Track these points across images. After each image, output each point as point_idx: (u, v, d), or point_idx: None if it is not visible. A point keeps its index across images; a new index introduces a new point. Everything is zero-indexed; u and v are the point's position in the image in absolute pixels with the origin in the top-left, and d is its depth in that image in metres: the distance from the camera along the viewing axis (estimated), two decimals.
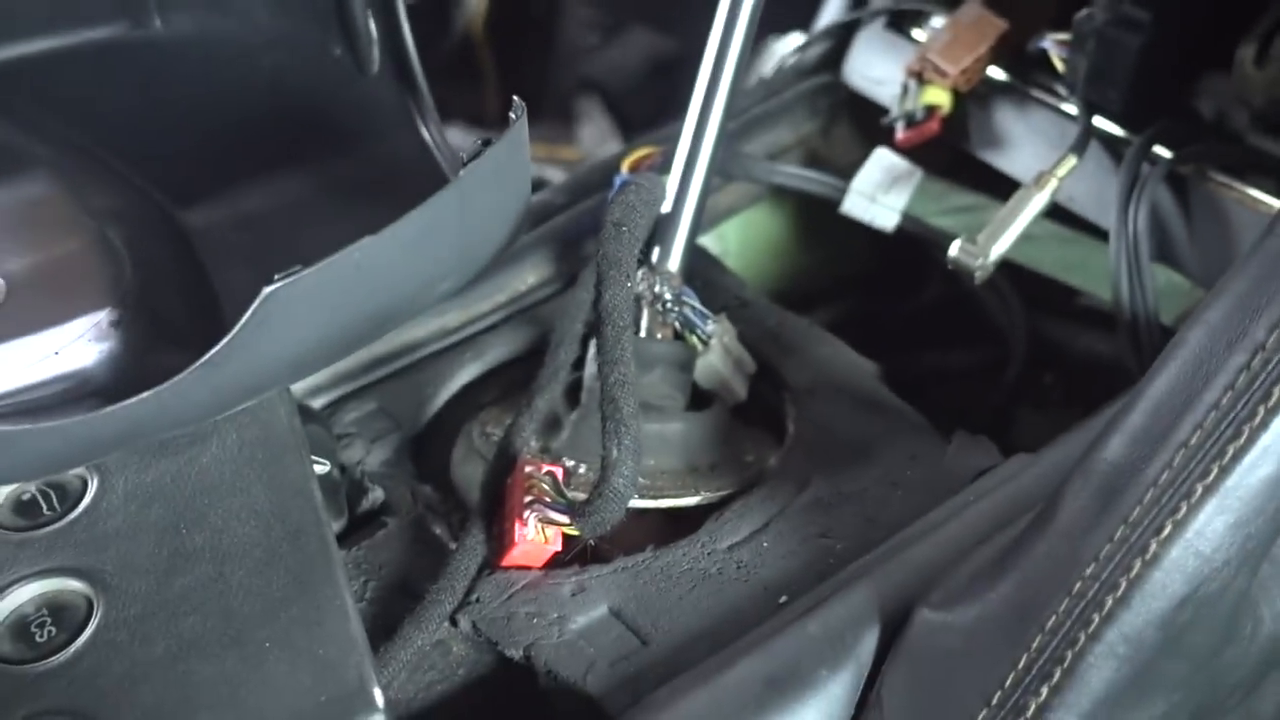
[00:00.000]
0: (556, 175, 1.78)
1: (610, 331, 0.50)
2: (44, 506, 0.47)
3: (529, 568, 0.49)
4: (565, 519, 0.47)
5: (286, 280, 0.39)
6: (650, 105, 1.95)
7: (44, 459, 0.43)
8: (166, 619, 0.43)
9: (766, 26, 0.83)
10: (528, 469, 0.50)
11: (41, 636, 0.42)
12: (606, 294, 0.52)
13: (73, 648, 0.42)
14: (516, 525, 0.48)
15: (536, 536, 0.48)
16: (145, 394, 0.39)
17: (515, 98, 0.48)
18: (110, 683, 0.41)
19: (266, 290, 0.39)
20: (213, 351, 0.39)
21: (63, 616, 0.43)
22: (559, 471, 0.50)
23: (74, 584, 0.44)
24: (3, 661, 0.42)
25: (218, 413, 0.47)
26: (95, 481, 0.48)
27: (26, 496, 0.48)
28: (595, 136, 1.92)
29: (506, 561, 0.49)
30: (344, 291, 0.42)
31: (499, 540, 0.49)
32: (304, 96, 0.62)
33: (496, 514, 0.50)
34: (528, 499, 0.48)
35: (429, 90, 0.65)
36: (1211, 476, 0.37)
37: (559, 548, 0.49)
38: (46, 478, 0.48)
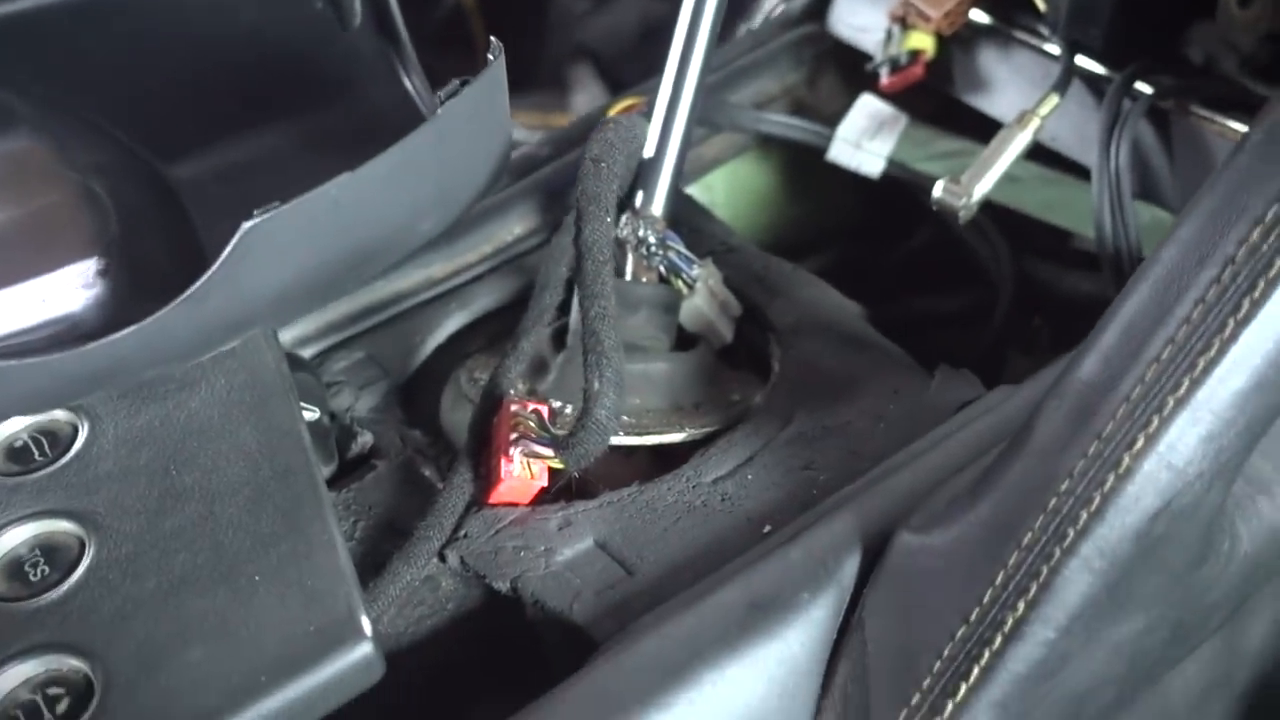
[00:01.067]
0: None
1: (590, 266, 0.50)
2: (35, 452, 0.48)
3: (516, 504, 0.50)
4: (550, 452, 0.48)
5: (265, 215, 0.39)
6: (643, 71, 1.94)
7: (31, 395, 0.44)
8: (158, 556, 0.43)
9: None
10: (514, 408, 0.50)
11: (35, 575, 0.43)
12: (586, 229, 0.52)
13: (66, 585, 0.42)
14: (502, 461, 0.48)
15: (523, 472, 0.48)
16: (128, 329, 0.39)
17: (493, 39, 0.48)
18: (103, 617, 0.41)
19: (246, 225, 0.39)
20: (195, 286, 0.40)
21: (56, 556, 0.44)
22: (544, 410, 0.50)
23: (66, 525, 0.45)
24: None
25: (202, 350, 0.47)
26: (86, 427, 0.49)
27: (19, 443, 0.48)
28: (588, 104, 1.91)
29: (494, 498, 0.50)
30: (323, 227, 0.43)
31: (486, 478, 0.50)
32: (286, 49, 0.62)
33: (484, 453, 0.51)
34: (513, 436, 0.49)
35: (411, 42, 0.65)
36: (1183, 389, 0.38)
37: (545, 483, 0.49)
38: (37, 421, 0.49)
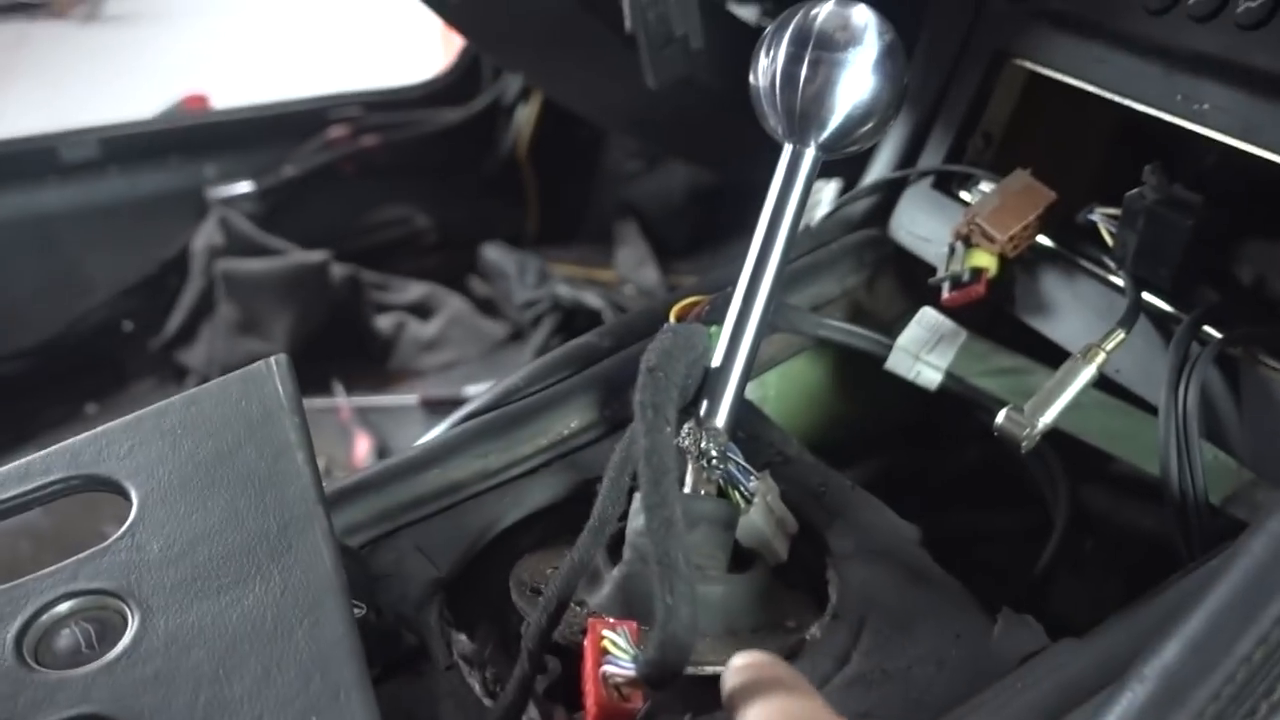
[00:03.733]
0: (593, 297, 1.81)
1: (651, 476, 0.49)
2: (83, 644, 0.47)
3: None
4: (631, 672, 0.46)
5: None
6: (687, 232, 1.99)
7: None
8: None
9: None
10: (604, 630, 0.48)
11: None
12: (645, 439, 0.51)
13: None
14: (591, 689, 0.47)
15: (613, 697, 0.47)
16: None
17: None
18: None
19: None
20: None
21: None
22: (631, 627, 0.49)
23: None
24: None
25: None
26: (136, 620, 0.48)
27: (65, 632, 0.48)
28: (632, 260, 1.95)
29: None
30: None
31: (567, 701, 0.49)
32: None
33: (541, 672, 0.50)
34: (604, 664, 0.47)
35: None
36: (1276, 694, 0.36)
37: (639, 705, 0.47)
38: (86, 607, 0.48)
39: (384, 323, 1.87)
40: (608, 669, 0.47)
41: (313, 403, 1.68)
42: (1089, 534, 0.75)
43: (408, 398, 1.73)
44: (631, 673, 0.46)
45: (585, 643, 0.48)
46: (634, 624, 0.49)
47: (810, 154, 0.61)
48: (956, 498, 0.80)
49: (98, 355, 1.79)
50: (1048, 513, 0.74)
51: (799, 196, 0.61)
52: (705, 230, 1.89)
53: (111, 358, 1.80)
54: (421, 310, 1.90)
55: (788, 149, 0.61)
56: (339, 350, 1.81)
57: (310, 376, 1.72)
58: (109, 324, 1.82)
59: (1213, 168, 0.69)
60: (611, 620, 0.49)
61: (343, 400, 1.71)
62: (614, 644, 0.47)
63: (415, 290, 1.91)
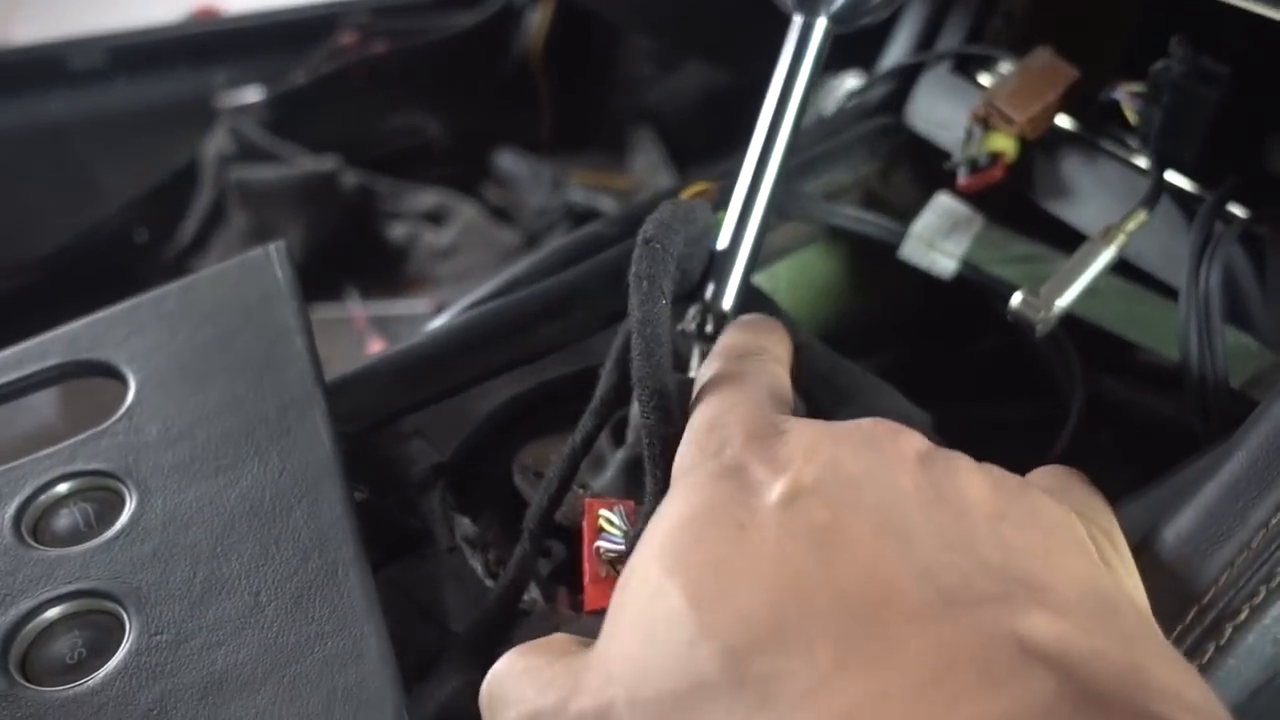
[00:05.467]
0: (608, 203, 1.79)
1: (643, 347, 0.47)
2: (81, 523, 0.47)
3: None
4: (622, 547, 0.46)
5: None
6: (703, 136, 1.95)
7: None
8: (200, 647, 0.42)
9: (829, 66, 0.82)
10: (600, 509, 0.48)
11: (72, 658, 0.42)
12: (638, 311, 0.49)
13: (103, 671, 0.41)
14: (587, 566, 0.47)
15: (609, 574, 0.46)
16: None
17: None
18: (140, 710, 0.40)
19: None
20: None
21: (94, 639, 0.42)
22: (628, 507, 0.48)
23: (107, 605, 0.44)
24: (32, 683, 0.41)
25: None
26: (134, 499, 0.48)
27: (64, 512, 0.47)
28: (647, 166, 1.92)
29: (587, 604, 0.47)
30: None
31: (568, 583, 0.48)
32: None
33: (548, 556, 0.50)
34: (598, 541, 0.47)
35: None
36: None
37: None
38: (84, 487, 0.48)
39: (397, 231, 1.86)
40: (601, 544, 0.46)
41: (327, 310, 1.68)
42: (1105, 423, 0.74)
43: (422, 304, 1.72)
44: (623, 547, 0.46)
45: (584, 522, 0.48)
46: (631, 504, 0.48)
47: (821, 24, 0.58)
48: (970, 390, 0.78)
49: (111, 266, 1.78)
50: (1063, 403, 0.73)
51: (809, 71, 0.59)
52: (721, 135, 1.85)
53: (125, 268, 1.80)
54: (435, 218, 1.88)
55: (797, 20, 0.59)
56: (352, 259, 1.80)
57: (324, 284, 1.71)
58: (121, 234, 1.81)
59: (1242, 40, 0.66)
60: (610, 500, 0.48)
61: (357, 308, 1.71)
62: (609, 522, 0.47)
63: (428, 198, 1.89)
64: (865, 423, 0.38)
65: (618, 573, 0.45)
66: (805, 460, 0.35)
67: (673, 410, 0.46)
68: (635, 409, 0.56)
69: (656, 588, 0.32)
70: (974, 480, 0.36)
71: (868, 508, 0.33)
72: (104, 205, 1.80)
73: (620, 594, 0.35)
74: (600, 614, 0.46)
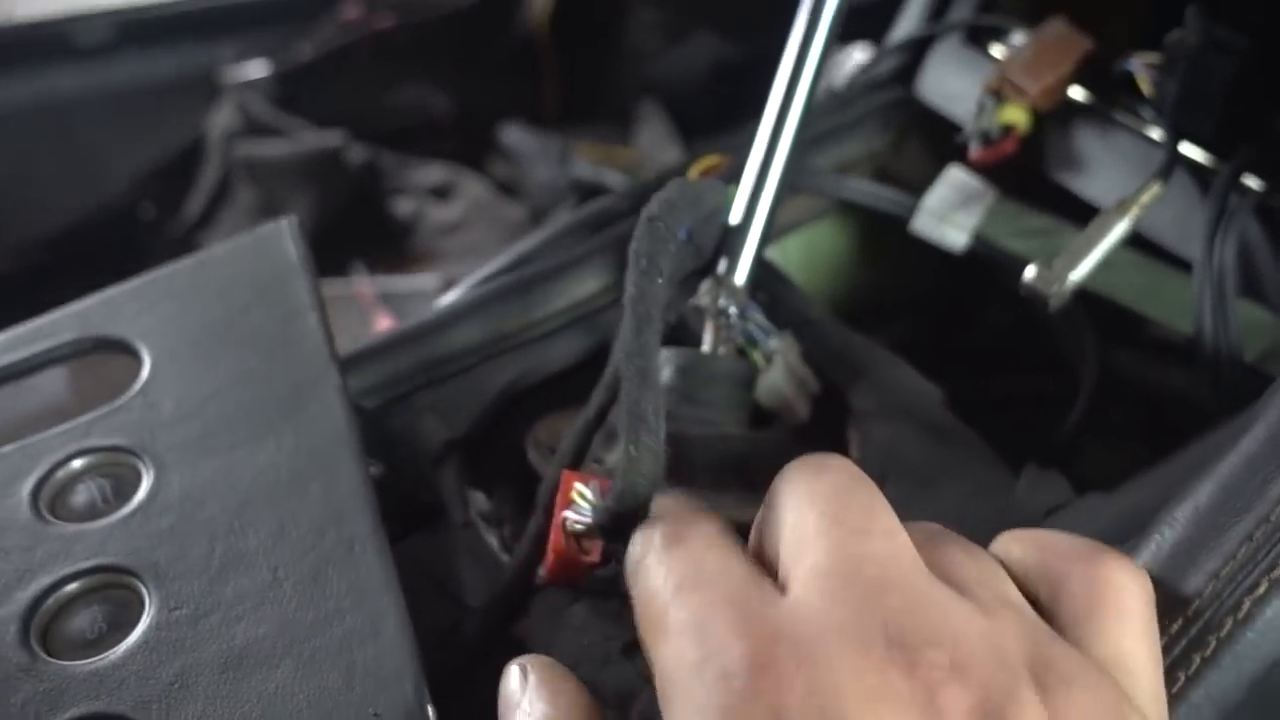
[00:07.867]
0: (613, 177, 1.78)
1: (634, 323, 0.46)
2: (99, 499, 0.47)
3: (575, 582, 0.48)
4: (589, 521, 0.45)
5: None
6: (710, 110, 1.94)
7: None
8: (219, 623, 0.42)
9: (838, 38, 0.81)
10: (576, 482, 0.48)
11: (92, 634, 0.42)
12: (632, 287, 0.49)
13: (123, 647, 0.41)
14: (553, 535, 0.46)
15: (570, 547, 0.46)
16: None
17: None
18: (160, 685, 0.40)
19: None
20: None
21: (113, 615, 0.43)
22: (605, 484, 0.48)
23: (126, 581, 0.44)
24: (54, 657, 0.41)
25: None
26: (151, 475, 0.48)
27: (81, 487, 0.48)
28: (654, 139, 1.91)
29: (548, 577, 0.47)
30: None
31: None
32: None
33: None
34: (567, 512, 0.46)
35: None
36: None
37: (597, 560, 0.47)
38: (101, 464, 0.48)
39: (404, 206, 1.85)
40: (568, 514, 0.45)
41: (334, 285, 1.68)
42: (1117, 398, 0.73)
43: (428, 280, 1.72)
44: (589, 520, 0.45)
45: (557, 495, 0.47)
46: (609, 482, 0.47)
47: None
48: (982, 364, 0.78)
49: (118, 242, 1.78)
50: (1075, 379, 0.73)
51: (823, 40, 0.59)
52: (729, 108, 1.84)
53: (131, 244, 1.80)
54: (441, 193, 1.87)
55: None
56: (359, 234, 1.79)
57: (331, 259, 1.71)
58: (128, 210, 1.80)
59: (1259, 10, 0.65)
60: (587, 475, 0.48)
61: (364, 283, 1.71)
62: (581, 495, 0.46)
63: (434, 173, 1.89)
64: None
65: (584, 549, 0.45)
66: None
67: (656, 386, 0.46)
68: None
69: None
70: None
71: None
72: (110, 182, 1.79)
73: None
74: (558, 584, 0.46)
